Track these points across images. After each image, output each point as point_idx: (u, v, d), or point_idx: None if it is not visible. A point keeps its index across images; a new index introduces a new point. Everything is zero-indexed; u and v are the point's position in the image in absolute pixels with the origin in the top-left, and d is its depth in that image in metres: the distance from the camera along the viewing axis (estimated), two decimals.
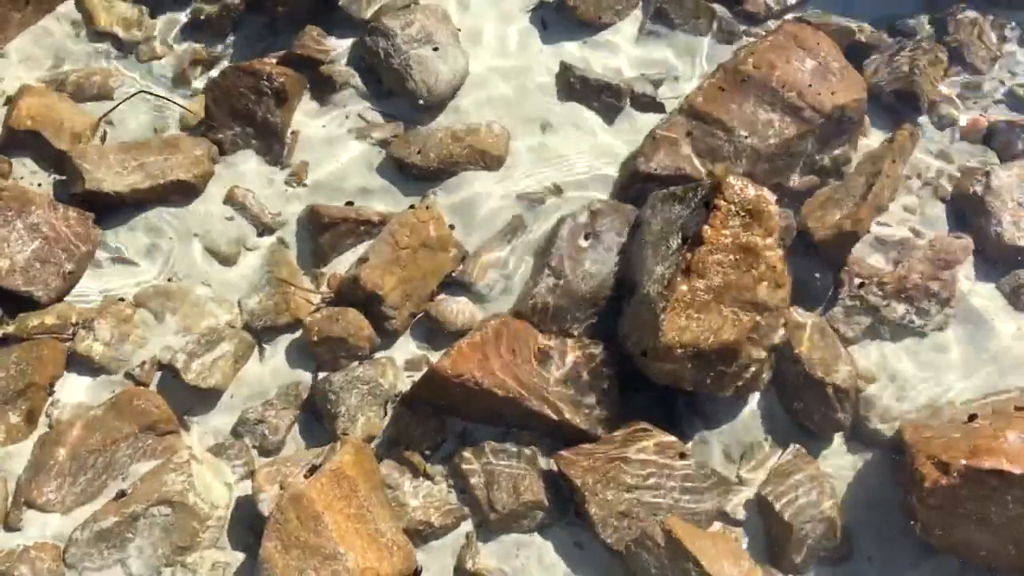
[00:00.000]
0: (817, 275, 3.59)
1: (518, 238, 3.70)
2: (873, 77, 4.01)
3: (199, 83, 4.14)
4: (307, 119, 4.02)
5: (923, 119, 4.02)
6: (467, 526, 3.17)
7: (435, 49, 4.00)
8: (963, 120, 4.03)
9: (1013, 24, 4.28)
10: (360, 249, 3.68)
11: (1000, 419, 3.02)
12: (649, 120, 3.98)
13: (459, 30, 4.16)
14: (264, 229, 3.78)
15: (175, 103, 4.02)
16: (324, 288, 3.62)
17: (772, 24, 4.25)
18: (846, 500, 3.23)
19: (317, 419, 3.37)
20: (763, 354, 3.22)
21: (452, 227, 3.70)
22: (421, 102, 3.95)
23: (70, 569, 2.97)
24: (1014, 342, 3.50)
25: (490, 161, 3.86)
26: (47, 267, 3.52)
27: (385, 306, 3.43)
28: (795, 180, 3.77)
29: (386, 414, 3.34)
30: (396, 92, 4.03)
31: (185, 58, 4.18)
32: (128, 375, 3.42)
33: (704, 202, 3.20)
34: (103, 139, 3.95)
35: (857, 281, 3.53)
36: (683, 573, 2.88)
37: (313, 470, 2.96)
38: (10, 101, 3.94)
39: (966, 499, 2.86)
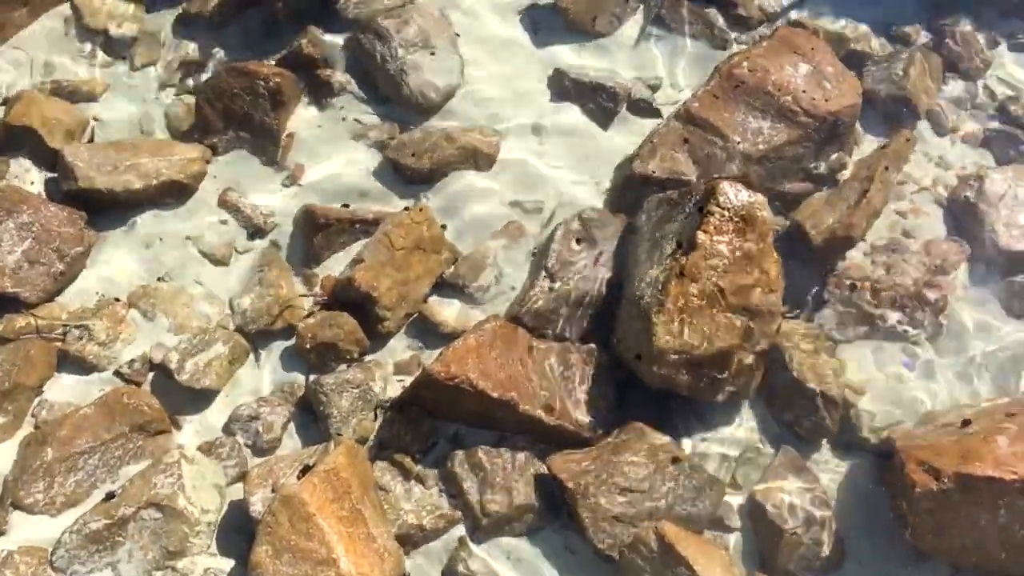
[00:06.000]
0: (810, 280, 3.60)
1: (512, 241, 3.70)
2: (869, 83, 4.03)
3: (193, 84, 4.12)
4: (303, 121, 4.01)
5: (920, 125, 4.05)
6: (459, 530, 3.16)
7: (431, 53, 3.99)
8: (959, 127, 4.05)
9: (1005, 33, 4.31)
10: (353, 250, 3.67)
11: (991, 425, 3.04)
12: (645, 125, 3.99)
13: (457, 35, 4.15)
14: (257, 230, 3.76)
15: None
16: (317, 290, 3.60)
17: (767, 29, 4.26)
18: (837, 506, 3.23)
19: (312, 418, 3.35)
20: (754, 359, 3.22)
21: (444, 227, 3.69)
22: (416, 105, 3.95)
23: (58, 573, 2.93)
24: (1007, 349, 3.51)
25: (482, 161, 3.86)
26: (37, 268, 3.50)
27: (379, 307, 3.41)
28: (790, 185, 3.78)
29: (376, 417, 3.33)
30: (391, 95, 4.02)
31: (179, 58, 4.16)
32: (118, 373, 3.40)
33: (698, 207, 3.20)
34: (91, 138, 3.93)
35: (848, 283, 3.54)
36: None
37: (306, 470, 2.94)
38: (7, 101, 3.92)
39: (957, 505, 2.87)
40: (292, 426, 3.36)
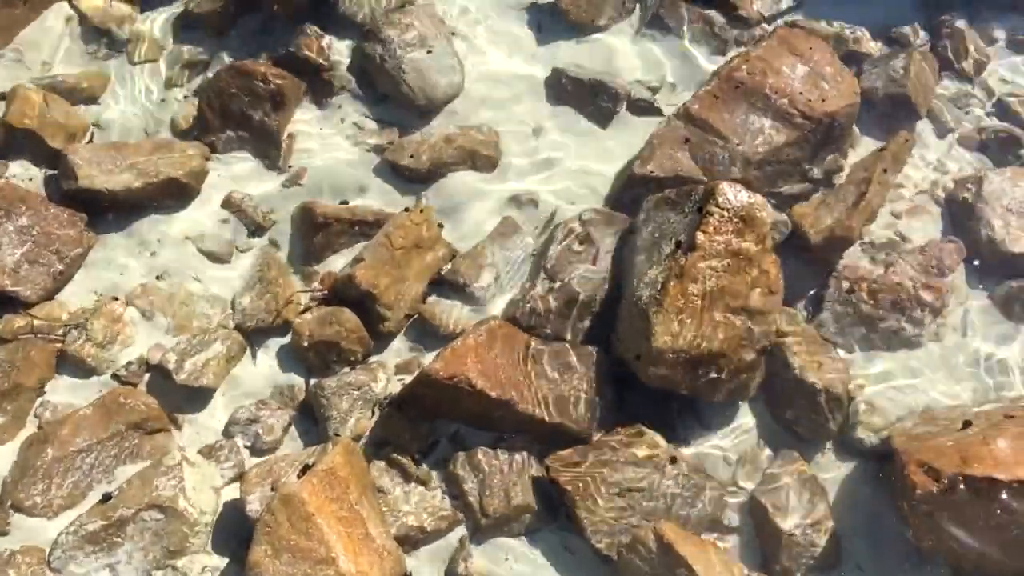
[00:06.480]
0: (810, 280, 3.60)
1: (511, 241, 3.70)
2: (867, 83, 4.02)
3: (192, 84, 4.13)
4: (303, 121, 4.01)
5: (919, 126, 4.04)
6: (459, 531, 3.16)
7: (429, 53, 4.00)
8: (957, 127, 4.05)
9: (1003, 31, 4.30)
10: (353, 250, 3.67)
11: (991, 426, 3.03)
12: (644, 125, 3.98)
13: (453, 34, 4.16)
14: (257, 229, 3.76)
15: None
16: (316, 284, 3.61)
17: (765, 29, 4.25)
18: (837, 506, 3.23)
19: (313, 420, 3.36)
20: (754, 358, 3.22)
21: (441, 226, 3.70)
22: (416, 106, 3.95)
23: (55, 573, 2.94)
24: (1004, 350, 3.51)
25: (481, 162, 3.86)
26: (36, 268, 3.50)
27: (380, 305, 3.42)
28: (788, 186, 3.78)
29: (373, 415, 3.33)
30: (391, 96, 4.02)
31: (178, 58, 4.17)
32: (115, 376, 3.40)
33: (697, 208, 3.20)
34: (91, 138, 3.94)
35: (846, 286, 3.54)
36: None
37: (305, 470, 2.94)
38: (6, 101, 3.92)
39: (957, 506, 2.86)
40: (293, 429, 3.37)
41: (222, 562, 3.05)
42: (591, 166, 3.90)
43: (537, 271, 3.54)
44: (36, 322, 3.42)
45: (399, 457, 3.21)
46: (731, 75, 3.79)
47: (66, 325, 3.45)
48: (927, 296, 3.52)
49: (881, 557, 3.16)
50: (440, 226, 3.69)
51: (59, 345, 3.41)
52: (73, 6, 4.22)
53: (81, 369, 3.41)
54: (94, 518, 2.99)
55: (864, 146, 3.95)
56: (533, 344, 3.34)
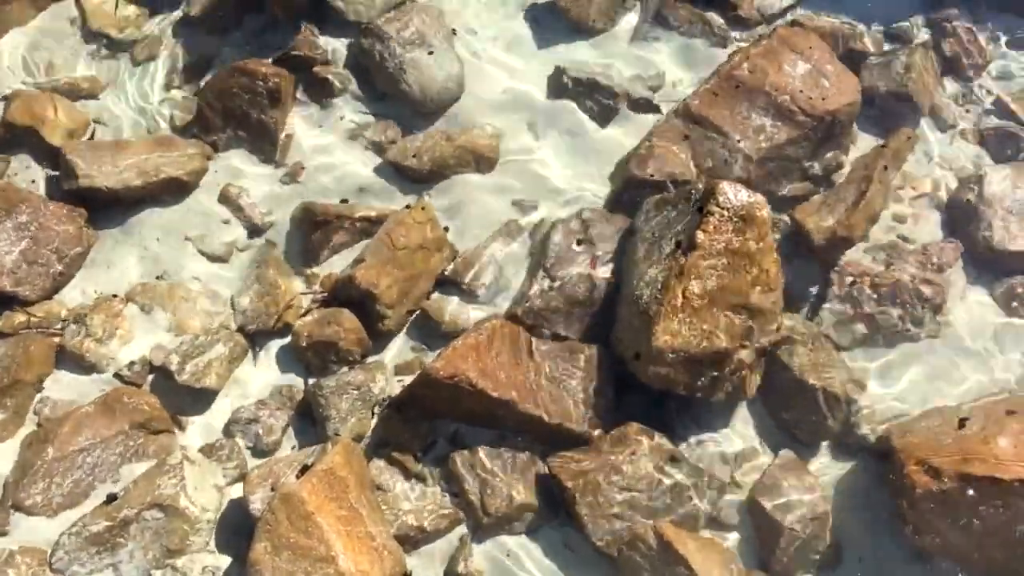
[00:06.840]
0: (810, 278, 3.60)
1: (512, 240, 3.70)
2: (868, 81, 4.02)
3: (193, 84, 4.12)
4: (302, 120, 4.01)
5: (922, 123, 4.03)
6: (459, 530, 3.16)
7: (429, 52, 4.00)
8: (957, 125, 4.05)
9: (1005, 29, 4.29)
10: (354, 250, 3.67)
11: (991, 423, 3.03)
12: (644, 122, 3.98)
13: (453, 32, 4.16)
14: (256, 228, 3.76)
15: None
16: (316, 287, 3.60)
17: (765, 29, 4.25)
18: (836, 505, 3.23)
19: (311, 421, 3.36)
20: (754, 358, 3.22)
21: (447, 229, 3.70)
22: (415, 104, 3.95)
23: (57, 574, 2.93)
24: (1004, 347, 3.52)
25: (483, 163, 3.86)
26: (35, 268, 3.50)
27: (380, 305, 3.41)
28: (788, 185, 3.79)
29: (373, 415, 3.33)
30: (390, 94, 4.02)
31: (179, 58, 4.16)
32: (118, 376, 3.40)
33: (698, 207, 3.20)
34: (92, 136, 3.94)
35: (849, 280, 3.54)
36: None
37: (304, 470, 2.94)
38: (7, 100, 3.92)
39: (957, 505, 2.87)
40: (291, 429, 3.37)
41: (224, 561, 3.05)
42: (591, 164, 3.89)
43: (536, 270, 3.54)
44: (34, 319, 3.41)
45: (399, 455, 3.21)
46: (731, 73, 3.79)
47: (64, 320, 3.44)
48: (927, 291, 3.52)
49: (880, 556, 3.16)
50: (446, 229, 3.69)
51: (58, 339, 3.40)
52: (78, 7, 4.21)
53: (80, 366, 3.40)
54: (98, 519, 2.98)
55: (863, 143, 3.95)
56: (534, 343, 3.34)
